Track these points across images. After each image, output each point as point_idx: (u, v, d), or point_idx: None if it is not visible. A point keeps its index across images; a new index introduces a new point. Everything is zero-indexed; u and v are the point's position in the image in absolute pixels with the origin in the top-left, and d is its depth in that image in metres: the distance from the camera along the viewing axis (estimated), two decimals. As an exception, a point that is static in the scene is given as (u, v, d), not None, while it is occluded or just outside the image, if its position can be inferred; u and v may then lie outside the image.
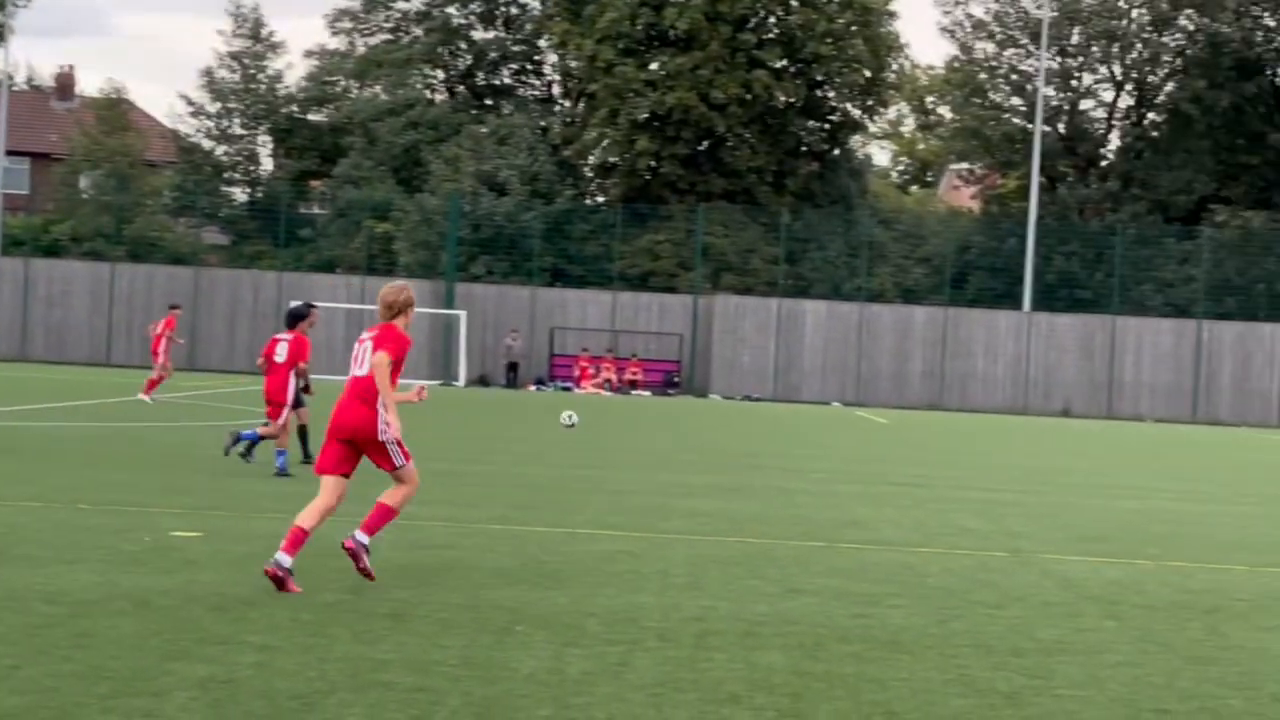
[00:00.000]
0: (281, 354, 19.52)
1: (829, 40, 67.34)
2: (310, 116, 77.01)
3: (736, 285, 64.88)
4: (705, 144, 68.50)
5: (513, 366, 61.30)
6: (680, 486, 20.06)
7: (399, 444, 10.92)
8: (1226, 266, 66.27)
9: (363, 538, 10.94)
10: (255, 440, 19.91)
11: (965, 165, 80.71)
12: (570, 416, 25.17)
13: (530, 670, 8.27)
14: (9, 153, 67.73)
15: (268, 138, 76.71)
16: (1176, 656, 9.56)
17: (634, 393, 59.84)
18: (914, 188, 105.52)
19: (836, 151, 72.71)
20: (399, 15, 78.28)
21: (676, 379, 62.20)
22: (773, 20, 68.70)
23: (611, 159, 70.48)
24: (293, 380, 19.59)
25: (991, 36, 75.06)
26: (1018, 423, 52.61)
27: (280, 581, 10.32)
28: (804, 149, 70.60)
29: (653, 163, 67.95)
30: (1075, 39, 73.17)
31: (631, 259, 66.07)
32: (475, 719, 7.21)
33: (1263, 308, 64.74)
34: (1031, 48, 72.59)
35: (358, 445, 10.90)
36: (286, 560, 10.43)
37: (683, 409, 49.02)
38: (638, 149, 66.74)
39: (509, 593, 10.79)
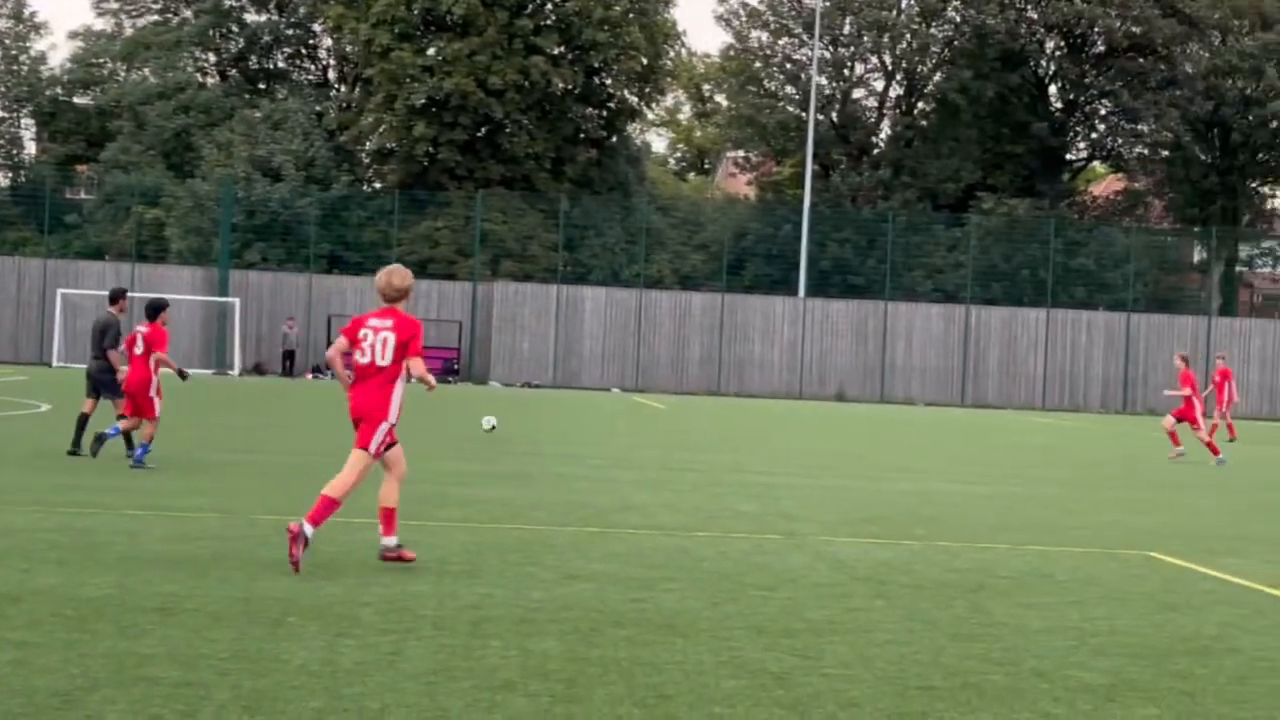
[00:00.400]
0: (139, 346, 19.41)
1: (606, 27, 67.59)
2: (76, 99, 75.06)
3: (515, 272, 64.84)
4: (483, 130, 68.27)
5: (289, 355, 60.48)
6: (458, 474, 19.98)
7: (389, 432, 11.60)
8: (993, 253, 68.10)
9: (308, 529, 11.28)
10: (116, 434, 19.59)
11: (741, 153, 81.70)
12: (489, 421, 25.53)
13: (302, 661, 8.16)
14: None
15: (30, 121, 74.56)
16: (942, 634, 9.78)
17: (413, 380, 59.43)
18: (691, 175, 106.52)
19: (614, 138, 73.07)
20: (167, -3, 76.72)
21: (456, 366, 61.92)
22: (549, 6, 68.74)
23: (389, 145, 69.87)
24: (155, 371, 19.45)
25: (766, 26, 76.09)
26: (793, 407, 53.43)
27: (295, 539, 11.02)
28: (582, 136, 70.79)
29: (430, 148, 67.55)
30: (847, 29, 74.48)
31: (410, 245, 65.60)
32: (244, 712, 7.09)
33: (1027, 293, 66.67)
34: (805, 37, 73.75)
35: (360, 420, 11.54)
36: (309, 528, 11.15)
37: (462, 397, 48.82)
38: (415, 135, 66.27)
39: (281, 584, 10.64)
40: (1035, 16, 73.08)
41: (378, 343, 11.47)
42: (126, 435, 19.67)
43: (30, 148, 75.47)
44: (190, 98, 70.54)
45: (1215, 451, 29.67)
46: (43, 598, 9.67)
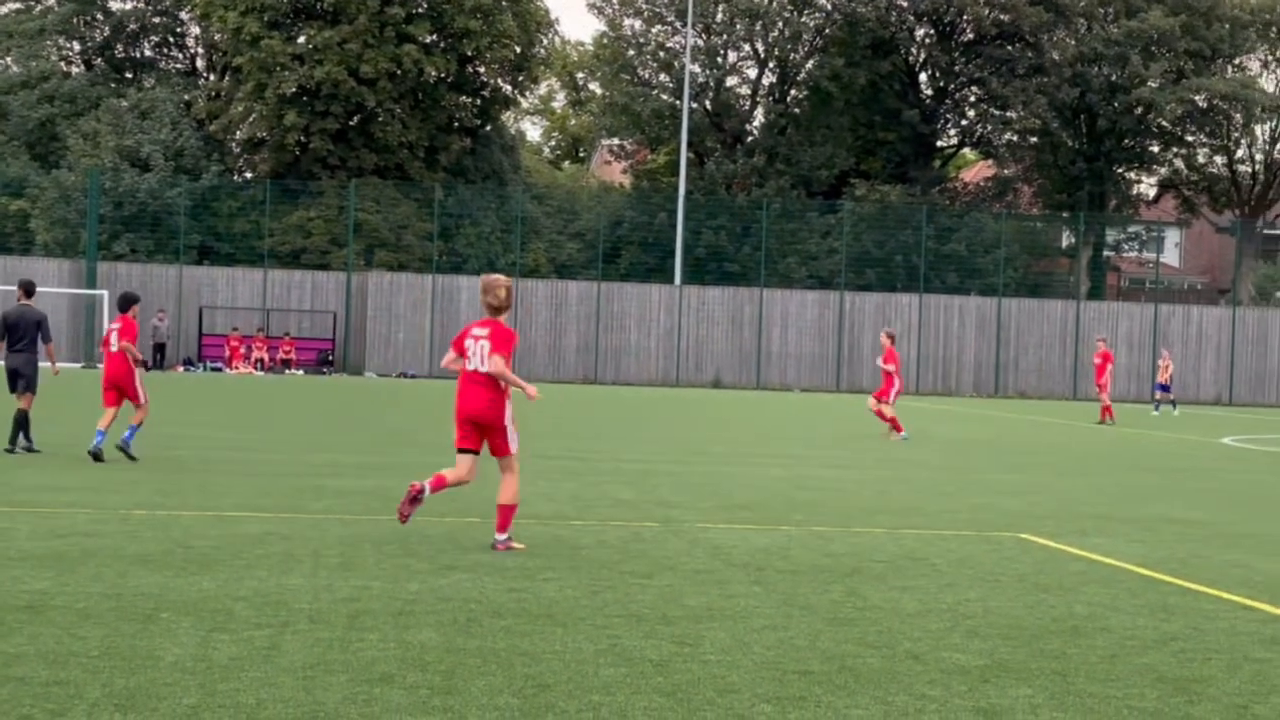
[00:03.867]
0: (114, 342, 19.98)
1: (478, 15, 67.29)
2: (-63, 89, 73.52)
3: (390, 262, 64.44)
4: (356, 119, 67.72)
5: (160, 348, 59.64)
6: (333, 466, 19.84)
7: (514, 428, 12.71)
8: (866, 240, 68.72)
9: (500, 536, 12.64)
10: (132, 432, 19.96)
11: (616, 141, 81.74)
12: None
13: (175, 658, 8.05)
14: None
15: (-111, 111, 72.94)
16: (819, 619, 9.86)
17: (288, 372, 58.92)
18: (566, 163, 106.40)
19: (488, 127, 72.82)
20: (32, -15, 75.31)
21: (331, 357, 61.44)
22: (422, -6, 68.34)
23: (259, 134, 69.09)
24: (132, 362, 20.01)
25: (639, 13, 76.16)
26: (670, 394, 53.59)
27: (411, 503, 12.36)
28: (456, 124, 70.47)
29: (302, 138, 66.91)
30: (720, 16, 74.72)
31: (282, 236, 64.95)
32: (117, 710, 6.98)
33: (900, 279, 67.36)
34: (678, 25, 73.91)
35: (481, 429, 12.62)
36: (427, 490, 12.44)
37: (337, 388, 48.46)
38: (286, 124, 65.59)
39: (153, 579, 10.49)
40: (905, 4, 73.79)
41: (479, 349, 12.60)
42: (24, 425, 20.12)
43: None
44: (54, 87, 69.34)
45: (899, 429, 30.24)
46: (-94, 598, 9.47)
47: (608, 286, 63.62)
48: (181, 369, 59.00)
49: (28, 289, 21.03)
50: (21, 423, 20.23)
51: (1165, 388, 49.87)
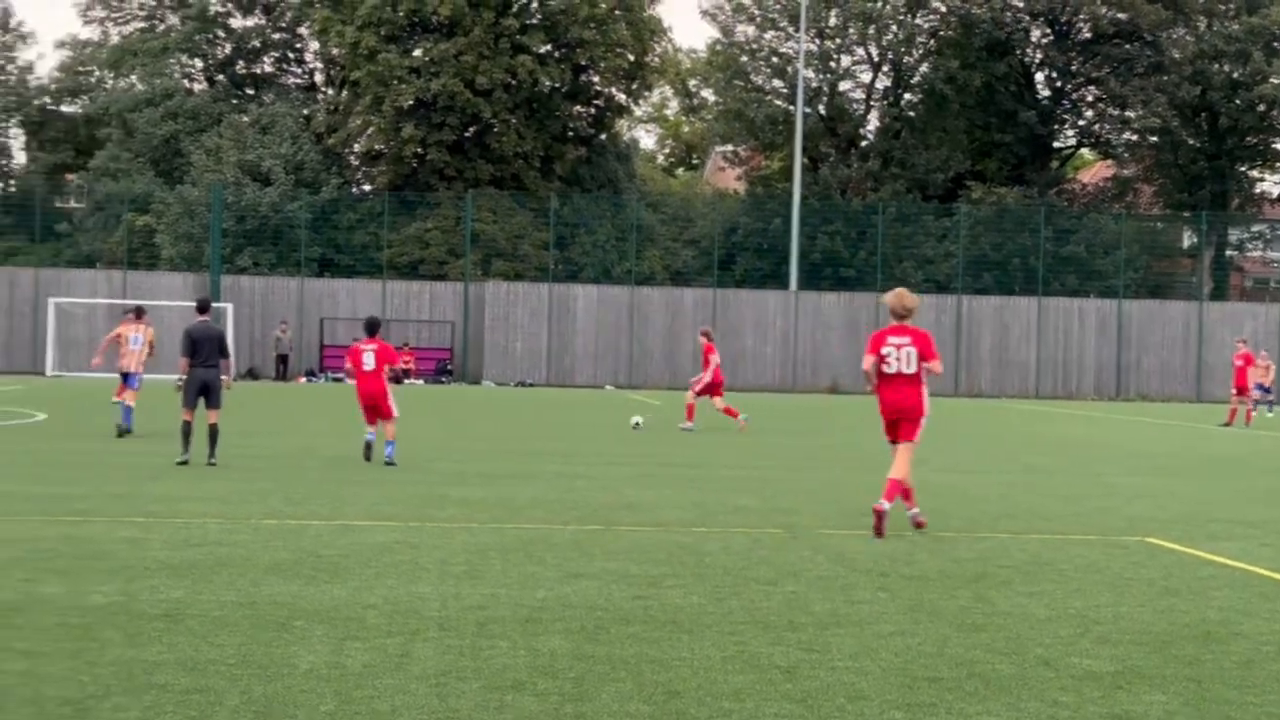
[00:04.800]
0: (370, 362, 21.81)
1: (592, 25, 67.55)
2: (64, 108, 75.02)
3: (507, 271, 64.82)
4: (472, 130, 68.23)
5: (283, 359, 60.42)
6: (455, 475, 20.00)
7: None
8: (983, 242, 68.14)
9: (885, 504, 14.34)
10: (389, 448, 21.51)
11: (729, 147, 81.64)
12: (636, 419, 27.04)
13: (310, 665, 8.18)
14: None
15: (19, 130, 74.52)
16: (947, 624, 9.81)
17: (407, 382, 59.48)
18: (680, 170, 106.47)
19: (603, 136, 73.06)
20: (153, 3, 76.62)
21: (449, 367, 61.92)
22: (535, 5, 68.68)
23: (377, 147, 69.86)
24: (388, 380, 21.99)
25: (752, 19, 76.04)
26: (787, 400, 53.44)
27: (880, 517, 14.07)
28: (571, 133, 70.78)
29: (419, 150, 67.52)
30: (833, 21, 74.46)
31: (400, 247, 65.57)
32: (257, 717, 7.11)
33: (1018, 281, 66.72)
34: (791, 30, 73.72)
35: (900, 420, 14.44)
36: (886, 504, 14.04)
37: (456, 397, 48.83)
38: (404, 136, 66.23)
39: (286, 588, 10.66)
40: (1021, 4, 73.11)
41: (902, 355, 14.39)
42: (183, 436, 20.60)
43: (19, 157, 75.47)
44: (178, 104, 70.48)
45: (734, 414, 31.63)
46: (48, 607, 9.68)
47: (723, 293, 63.59)
48: (303, 380, 59.71)
49: (204, 305, 21.39)
50: (191, 434, 20.35)
51: (1266, 389, 48.99)
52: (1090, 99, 77.45)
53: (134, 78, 73.34)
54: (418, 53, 67.00)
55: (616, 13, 68.62)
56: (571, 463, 22.48)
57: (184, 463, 20.10)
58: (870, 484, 20.08)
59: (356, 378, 22.09)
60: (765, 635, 9.29)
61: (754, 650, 8.83)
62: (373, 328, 22.46)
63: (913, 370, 14.43)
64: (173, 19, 75.96)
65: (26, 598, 10.00)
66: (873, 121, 78.33)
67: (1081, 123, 78.52)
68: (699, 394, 32.45)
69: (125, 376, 27.23)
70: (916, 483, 20.43)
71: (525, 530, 14.22)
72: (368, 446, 21.79)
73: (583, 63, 69.09)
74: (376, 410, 21.74)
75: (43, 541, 12.63)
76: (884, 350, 14.45)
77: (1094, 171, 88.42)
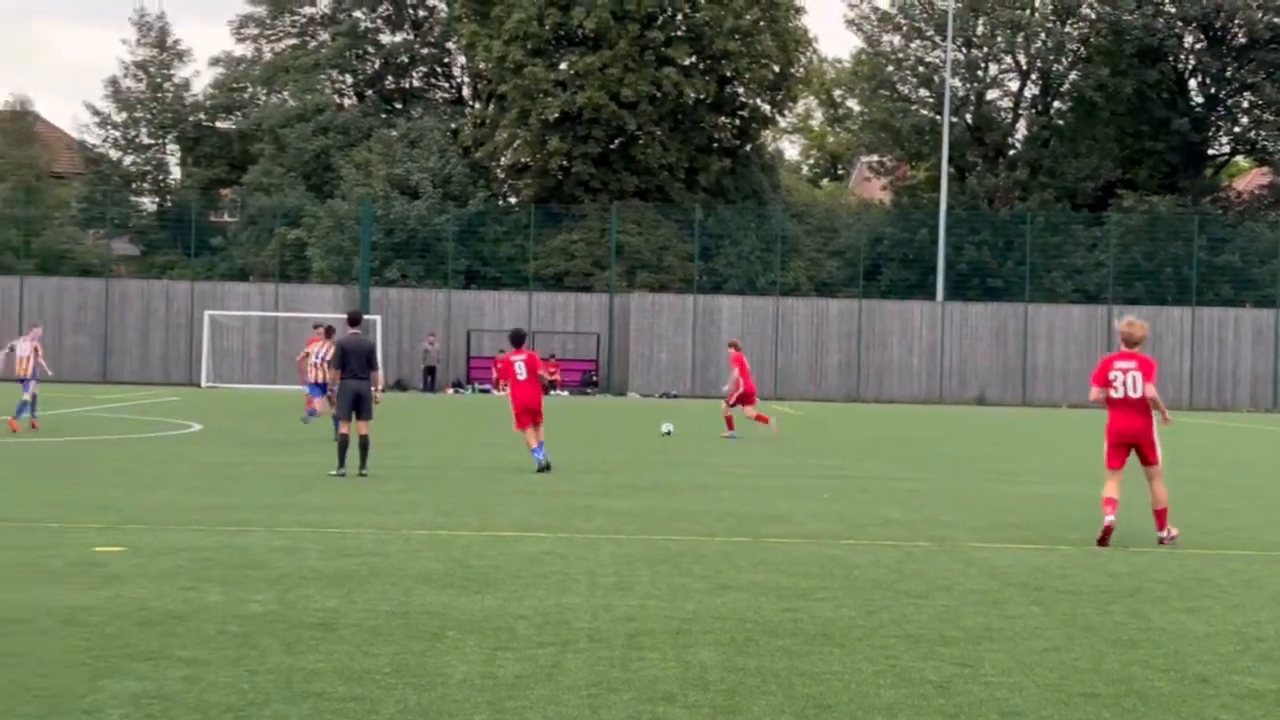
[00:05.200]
0: (522, 371, 22.59)
1: (737, 36, 67.55)
2: (218, 124, 76.47)
3: (652, 283, 65.00)
4: (617, 142, 68.51)
5: (430, 370, 61.10)
6: (602, 486, 20.08)
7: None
8: (1134, 252, 67.11)
9: (1162, 534, 15.08)
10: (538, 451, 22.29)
11: (875, 158, 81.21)
12: (667, 426, 27.44)
13: (463, 675, 8.26)
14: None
15: (176, 146, 76.10)
16: (1102, 640, 9.68)
17: (553, 393, 59.83)
18: (825, 181, 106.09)
19: (747, 147, 72.99)
20: (305, 20, 77.89)
21: (594, 378, 62.24)
22: (680, 17, 68.81)
23: (523, 160, 70.41)
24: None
25: (898, 29, 75.58)
26: (934, 412, 53.01)
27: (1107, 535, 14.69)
28: (715, 145, 70.82)
29: (565, 162, 67.92)
30: (980, 29, 73.79)
31: (546, 259, 66.02)
32: (411, 726, 7.20)
33: (1171, 292, 65.62)
34: (937, 39, 73.18)
35: (1132, 445, 14.95)
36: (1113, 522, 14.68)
37: (601, 408, 49.04)
38: (549, 149, 66.68)
39: (437, 598, 10.77)
40: (1173, 10, 71.91)
41: (1128, 380, 14.85)
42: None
43: (175, 173, 77.03)
44: (329, 119, 71.56)
45: (765, 420, 32.06)
46: (209, 615, 9.88)
47: (869, 304, 63.27)
48: (451, 391, 60.30)
49: (354, 318, 21.81)
50: (348, 446, 20.66)
51: None
52: (1246, 105, 75.92)
53: (286, 94, 74.56)
54: (563, 66, 67.44)
55: (761, 24, 68.56)
56: (716, 474, 22.47)
57: (340, 475, 20.37)
58: (1023, 496, 19.85)
59: (512, 388, 22.78)
60: (916, 649, 9.23)
61: (905, 664, 8.77)
62: (519, 339, 23.14)
63: (1139, 395, 14.84)
64: (323, 35, 77.15)
65: (188, 605, 10.20)
66: (1020, 130, 77.48)
67: (1237, 129, 76.99)
68: (733, 404, 32.94)
69: (313, 387, 28.73)
70: (1076, 494, 20.20)
71: (673, 542, 14.24)
72: (538, 460, 22.22)
73: (728, 74, 69.11)
74: (536, 415, 22.31)
75: (202, 551, 12.89)
76: (1111, 375, 14.97)
77: (1249, 179, 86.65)
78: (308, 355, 29.95)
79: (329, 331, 29.15)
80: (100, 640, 8.97)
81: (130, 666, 8.28)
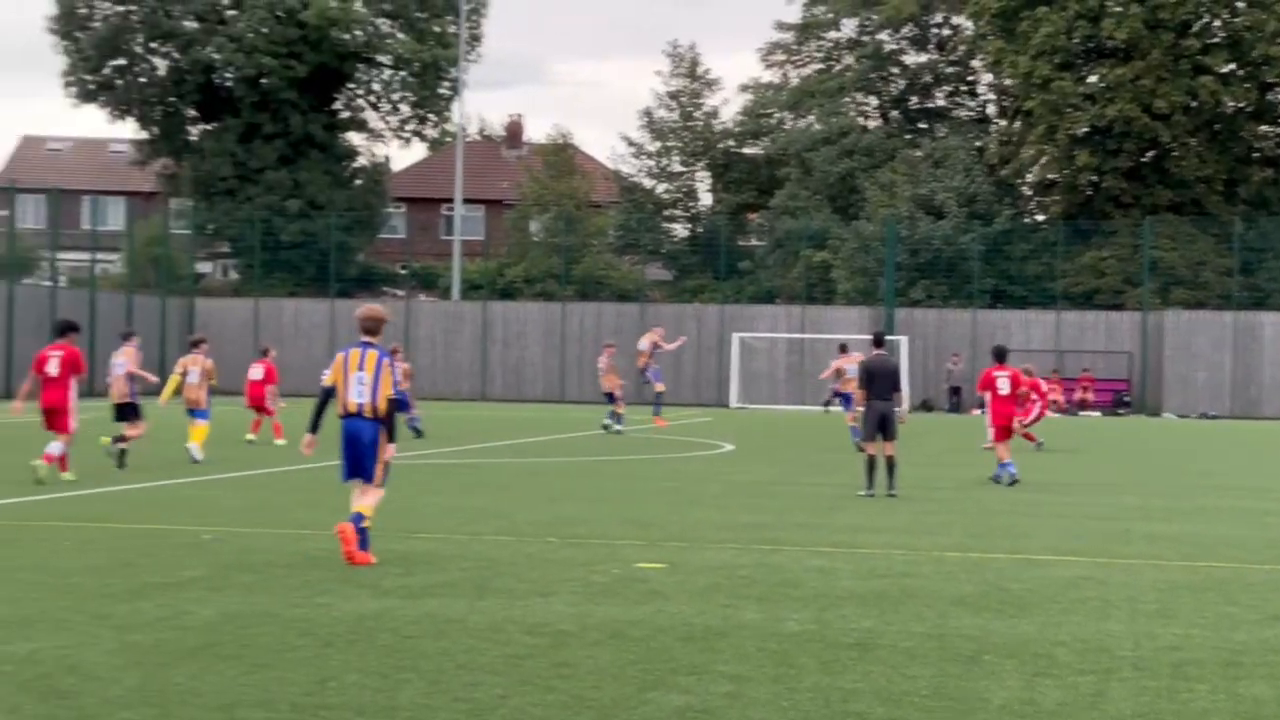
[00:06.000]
0: (1005, 386, 23.32)
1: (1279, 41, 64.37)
2: (746, 150, 78.23)
3: (1187, 299, 62.59)
4: (1149, 155, 66.37)
5: (955, 390, 60.64)
6: (1138, 509, 19.47)
7: None
8: None
9: None
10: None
11: None
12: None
13: (1003, 700, 8.16)
14: (465, 201, 71.02)
15: (706, 173, 78.27)
16: None
17: (1083, 413, 58.38)
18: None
19: (1292, 155, 69.37)
20: (830, 45, 78.79)
21: (1127, 398, 60.39)
22: (1218, 24, 66.13)
23: (1050, 176, 69.13)
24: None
25: None
26: None
27: None
28: (1256, 155, 67.68)
29: (1094, 177, 66.27)
30: None
31: (1075, 277, 64.54)
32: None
33: None
34: None
35: None
36: None
37: (1135, 428, 47.56)
38: (1078, 164, 65.19)
39: (973, 621, 10.67)
40: None
41: None
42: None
43: (705, 198, 79.25)
44: (853, 141, 72.11)
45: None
46: (747, 632, 10.09)
47: None
48: (976, 412, 59.54)
49: (879, 339, 22.00)
50: (875, 466, 20.66)
51: None
52: None
53: (811, 117, 75.60)
54: (1092, 79, 65.84)
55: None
56: (1262, 499, 21.45)
57: (869, 495, 20.44)
58: None
59: (993, 403, 23.65)
60: None
61: None
62: (1001, 355, 24.02)
63: None
64: (848, 59, 77.86)
65: (727, 622, 10.45)
66: None
67: None
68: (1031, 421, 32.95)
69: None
70: None
71: (1217, 569, 13.68)
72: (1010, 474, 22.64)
73: (1269, 80, 65.94)
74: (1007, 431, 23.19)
75: (739, 569, 13.18)
76: None
77: None
78: (841, 372, 31.14)
79: (843, 349, 32.29)
80: (645, 654, 9.29)
81: (675, 680, 8.54)
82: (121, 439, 22.80)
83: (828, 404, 34.65)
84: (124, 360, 23.85)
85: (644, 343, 36.10)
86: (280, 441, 28.95)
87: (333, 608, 10.73)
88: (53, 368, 20.75)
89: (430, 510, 17.26)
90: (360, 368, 13.04)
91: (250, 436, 29.98)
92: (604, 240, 74.29)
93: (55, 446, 20.57)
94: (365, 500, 13.06)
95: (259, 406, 30.90)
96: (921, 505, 19.52)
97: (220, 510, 17.42)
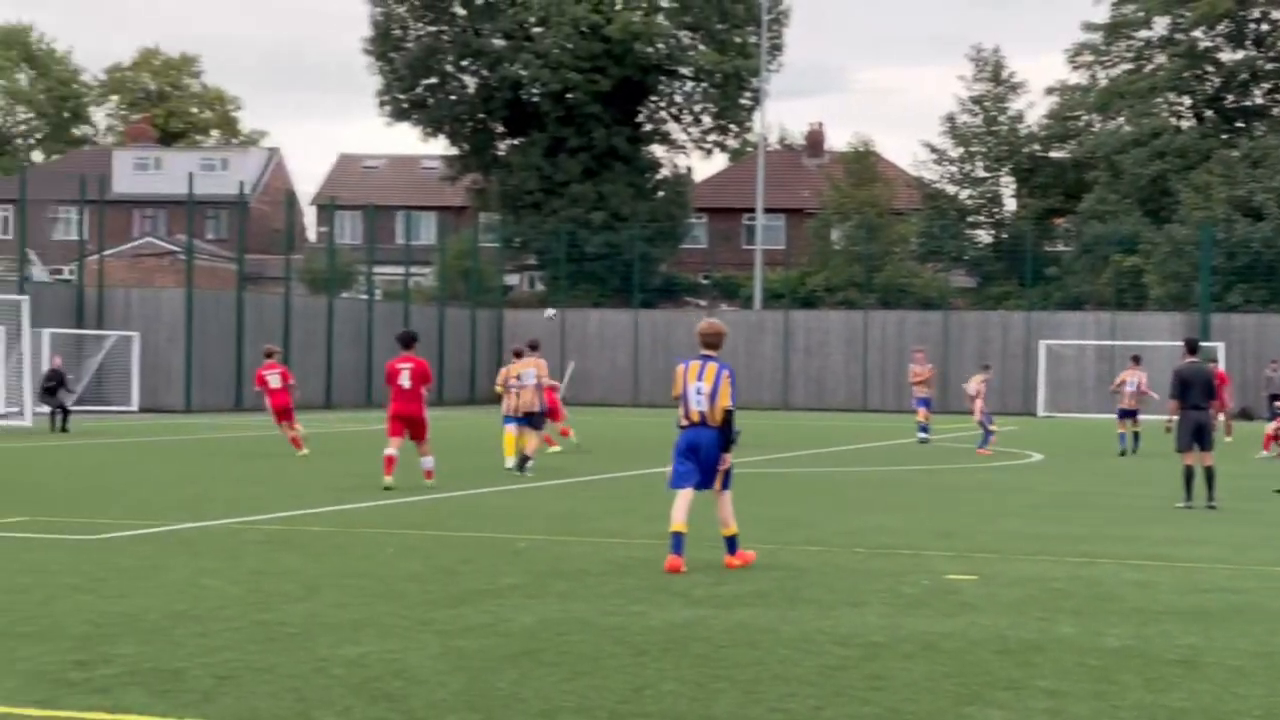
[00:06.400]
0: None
1: None
2: (1052, 154, 76.75)
3: None
4: None
5: (1275, 398, 58.29)
6: None
7: None
8: None
9: None
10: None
11: None
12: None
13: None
14: (766, 210, 71.20)
15: (1010, 178, 77.02)
16: None
17: None
18: None
19: None
20: (1141, 44, 76.68)
21: None
22: None
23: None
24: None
25: None
26: None
27: None
28: None
29: None
30: None
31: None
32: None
33: None
34: None
35: None
36: None
37: None
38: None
39: (1304, 640, 10.26)
40: None
41: None
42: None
43: (1010, 204, 77.98)
44: (1166, 142, 70.09)
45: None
46: (1065, 646, 9.87)
47: None
48: None
49: (1192, 345, 20.89)
50: (1194, 477, 20.05)
51: None
52: None
53: (1121, 119, 73.75)
54: None
55: None
56: None
57: (1187, 507, 19.82)
58: None
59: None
60: None
61: None
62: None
63: None
64: (1160, 58, 75.67)
65: (1044, 636, 10.24)
66: None
67: None
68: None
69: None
70: None
71: None
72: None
73: None
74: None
75: (1053, 581, 12.91)
76: None
77: None
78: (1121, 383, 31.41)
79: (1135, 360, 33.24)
80: (960, 667, 9.16)
81: (992, 695, 8.41)
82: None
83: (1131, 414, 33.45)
84: (533, 370, 25.08)
85: (971, 387, 33.65)
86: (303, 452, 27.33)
87: (646, 616, 10.85)
88: (404, 380, 21.68)
89: (738, 519, 17.29)
90: (699, 378, 13.40)
91: (554, 448, 29.43)
92: (906, 248, 73.73)
93: (427, 461, 21.72)
94: (723, 514, 13.58)
95: (283, 414, 28.48)
96: (1242, 517, 18.87)
97: (532, 518, 17.78)
